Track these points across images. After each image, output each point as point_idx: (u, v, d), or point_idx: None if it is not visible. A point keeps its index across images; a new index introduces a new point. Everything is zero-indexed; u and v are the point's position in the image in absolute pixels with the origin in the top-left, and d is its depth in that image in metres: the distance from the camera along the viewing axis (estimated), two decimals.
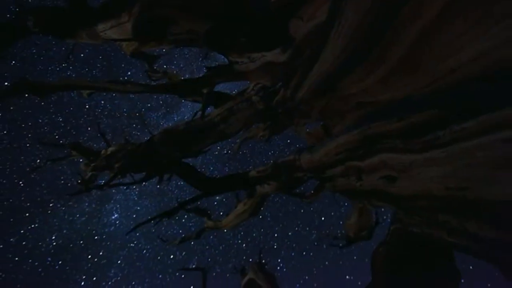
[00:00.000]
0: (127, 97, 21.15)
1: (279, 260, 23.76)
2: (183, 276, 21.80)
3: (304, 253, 23.45)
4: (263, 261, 4.88)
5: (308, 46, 2.24)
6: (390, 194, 2.35)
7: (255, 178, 5.28)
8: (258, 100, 3.83)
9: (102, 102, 21.14)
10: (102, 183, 4.59)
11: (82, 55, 19.32)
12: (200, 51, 2.87)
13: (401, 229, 2.61)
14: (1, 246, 17.89)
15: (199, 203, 5.83)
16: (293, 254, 23.83)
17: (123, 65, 20.04)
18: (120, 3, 2.34)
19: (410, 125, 2.08)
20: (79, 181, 5.07)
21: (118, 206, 21.87)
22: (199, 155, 5.54)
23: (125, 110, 21.46)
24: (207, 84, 3.84)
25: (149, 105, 22.13)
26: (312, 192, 6.35)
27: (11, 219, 18.28)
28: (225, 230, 6.56)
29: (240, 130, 4.72)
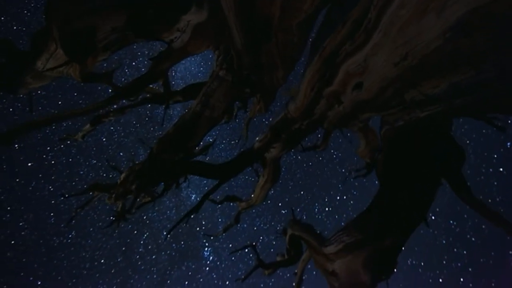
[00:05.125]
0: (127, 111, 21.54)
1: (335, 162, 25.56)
2: (270, 216, 24.91)
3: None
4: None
5: None
6: (365, 100, 2.36)
7: (260, 148, 5.39)
8: (225, 73, 3.86)
9: (112, 128, 22.29)
10: (128, 209, 4.91)
11: (60, 102, 19.75)
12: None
13: (390, 129, 2.62)
14: (138, 256, 24.00)
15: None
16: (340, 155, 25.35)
17: (99, 88, 20.59)
18: (41, 34, 2.43)
19: (352, 24, 2.06)
20: (113, 216, 5.40)
21: (189, 190, 25.37)
22: (207, 151, 5.72)
23: (134, 122, 22.63)
24: (158, 74, 3.89)
25: (149, 105, 22.78)
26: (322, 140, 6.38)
27: (128, 240, 23.69)
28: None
29: (226, 109, 4.80)
